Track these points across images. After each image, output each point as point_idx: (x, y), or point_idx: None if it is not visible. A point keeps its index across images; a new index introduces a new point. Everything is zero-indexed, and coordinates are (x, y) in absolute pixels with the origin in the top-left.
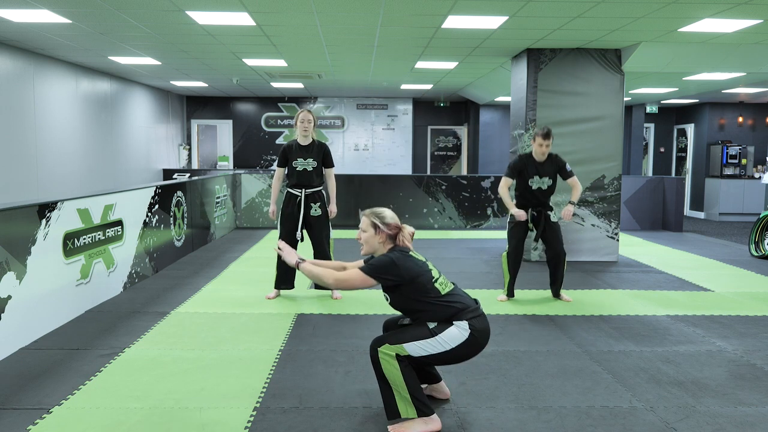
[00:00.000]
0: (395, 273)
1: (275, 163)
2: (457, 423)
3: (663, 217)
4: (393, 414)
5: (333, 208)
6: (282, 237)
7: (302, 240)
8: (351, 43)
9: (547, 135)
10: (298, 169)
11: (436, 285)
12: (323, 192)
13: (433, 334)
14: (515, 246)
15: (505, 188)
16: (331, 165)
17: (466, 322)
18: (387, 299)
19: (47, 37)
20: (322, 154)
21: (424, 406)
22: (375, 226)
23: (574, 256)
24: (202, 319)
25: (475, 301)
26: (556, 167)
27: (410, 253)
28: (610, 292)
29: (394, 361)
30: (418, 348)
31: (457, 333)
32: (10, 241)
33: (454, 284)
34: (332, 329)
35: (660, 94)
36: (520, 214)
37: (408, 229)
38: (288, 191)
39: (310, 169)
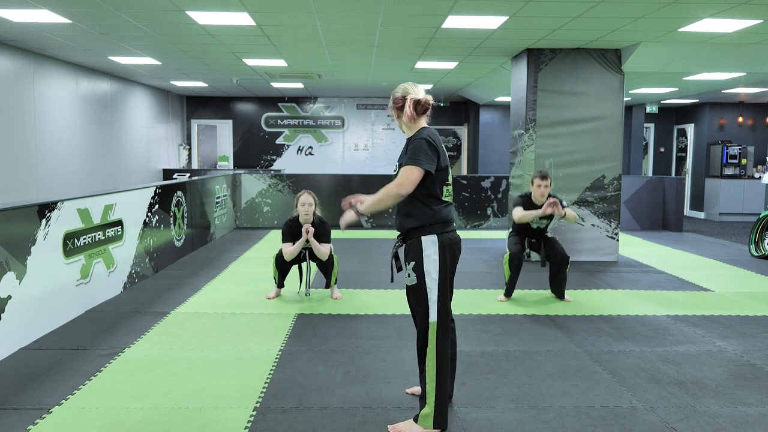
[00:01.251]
0: (433, 150)
1: (282, 239)
2: (457, 423)
3: (663, 217)
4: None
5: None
6: (282, 255)
7: (309, 294)
8: (351, 43)
9: (545, 176)
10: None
11: (444, 188)
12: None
13: (423, 284)
14: (517, 251)
15: (521, 211)
16: (327, 242)
17: (435, 236)
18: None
19: (47, 37)
20: (320, 233)
21: (443, 420)
22: (390, 104)
23: (574, 256)
24: (202, 319)
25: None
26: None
27: (440, 142)
28: (610, 292)
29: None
30: (433, 300)
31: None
32: (10, 241)
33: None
34: (332, 329)
35: (660, 94)
36: (545, 210)
37: (411, 93)
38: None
39: (310, 248)
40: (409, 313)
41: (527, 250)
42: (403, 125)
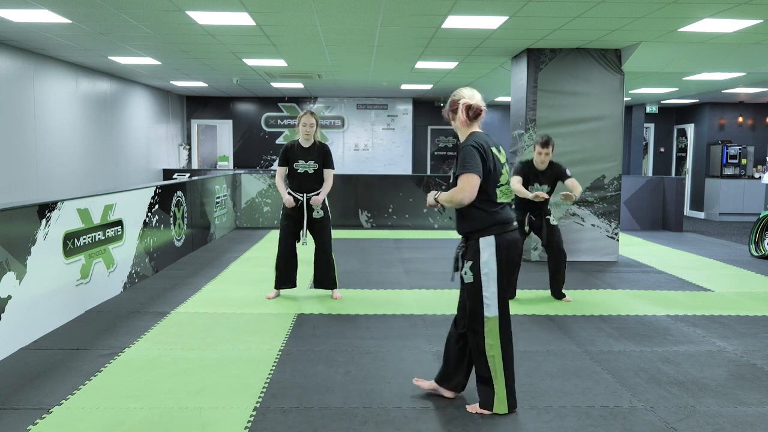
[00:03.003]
0: (481, 156)
1: (275, 163)
2: (457, 423)
3: (663, 217)
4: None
5: (320, 198)
6: (282, 237)
7: (305, 244)
8: (351, 43)
9: (546, 143)
10: (299, 171)
11: (498, 189)
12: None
13: (478, 283)
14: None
15: (519, 184)
16: (331, 167)
17: (493, 237)
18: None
19: (47, 37)
20: (323, 155)
21: (514, 402)
22: (447, 107)
23: (574, 256)
24: (202, 319)
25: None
26: (555, 175)
27: (488, 141)
28: (610, 292)
29: (494, 339)
30: (490, 298)
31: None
32: (10, 241)
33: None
34: (332, 329)
35: (660, 94)
36: (537, 195)
37: (466, 97)
38: (289, 194)
39: (311, 171)
40: (409, 313)
41: (526, 228)
42: (456, 129)
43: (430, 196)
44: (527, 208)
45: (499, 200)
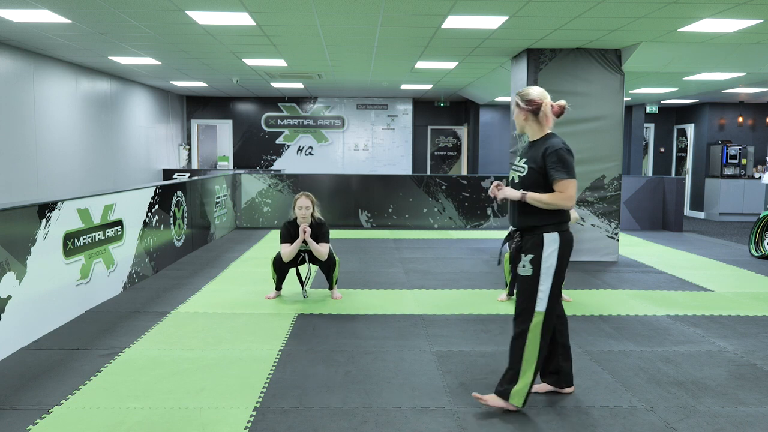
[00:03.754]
0: (572, 161)
1: (280, 241)
2: (457, 423)
3: (663, 217)
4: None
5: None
6: (280, 257)
7: (306, 297)
8: (351, 43)
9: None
10: (300, 249)
11: None
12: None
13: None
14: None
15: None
16: (326, 242)
17: (557, 234)
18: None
19: (47, 37)
20: (318, 234)
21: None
22: (518, 105)
23: (574, 256)
24: (202, 319)
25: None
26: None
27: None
28: (610, 292)
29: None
30: (544, 292)
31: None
32: (10, 241)
33: None
34: (332, 329)
35: (660, 94)
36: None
37: (548, 100)
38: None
39: (309, 249)
40: (409, 313)
41: None
42: (527, 127)
43: (512, 192)
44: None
45: None
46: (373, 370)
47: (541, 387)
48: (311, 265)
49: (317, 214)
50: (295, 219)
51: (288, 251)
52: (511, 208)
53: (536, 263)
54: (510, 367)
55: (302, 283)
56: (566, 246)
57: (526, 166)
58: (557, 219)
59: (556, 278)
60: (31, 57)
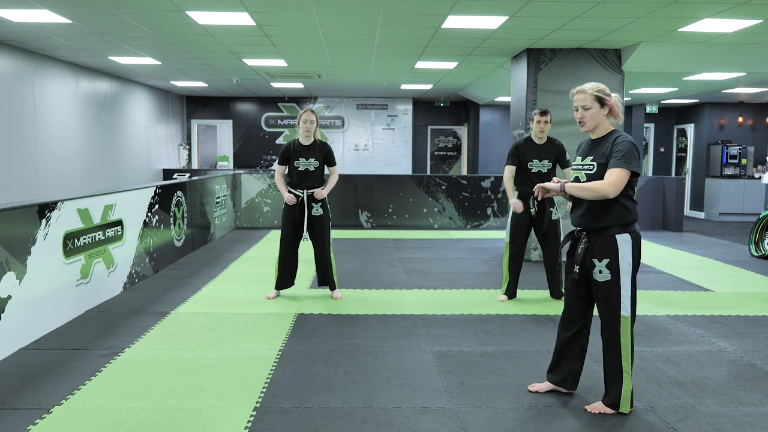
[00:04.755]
0: (638, 157)
1: (275, 162)
2: (457, 423)
3: (663, 217)
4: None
5: (324, 192)
6: (284, 237)
7: (306, 239)
8: (351, 43)
9: (544, 112)
10: (299, 168)
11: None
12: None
13: (617, 280)
14: (517, 248)
15: (508, 175)
16: (333, 164)
17: (629, 234)
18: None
19: (47, 37)
20: (324, 153)
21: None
22: (600, 100)
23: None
24: (202, 319)
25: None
26: (556, 152)
27: None
28: None
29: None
30: (626, 296)
31: (627, 249)
32: (10, 241)
33: None
34: (332, 329)
35: (660, 94)
36: (517, 206)
37: (613, 95)
38: (289, 191)
39: (312, 168)
40: (409, 313)
41: (533, 211)
42: (604, 122)
43: (552, 184)
44: (531, 192)
45: (635, 199)
46: (373, 370)
47: (543, 386)
48: (311, 213)
49: (319, 137)
50: (297, 140)
51: (281, 185)
52: (575, 206)
53: (614, 267)
54: (611, 378)
55: (302, 227)
56: (637, 247)
57: (594, 163)
58: (631, 219)
59: (633, 280)
60: (31, 57)
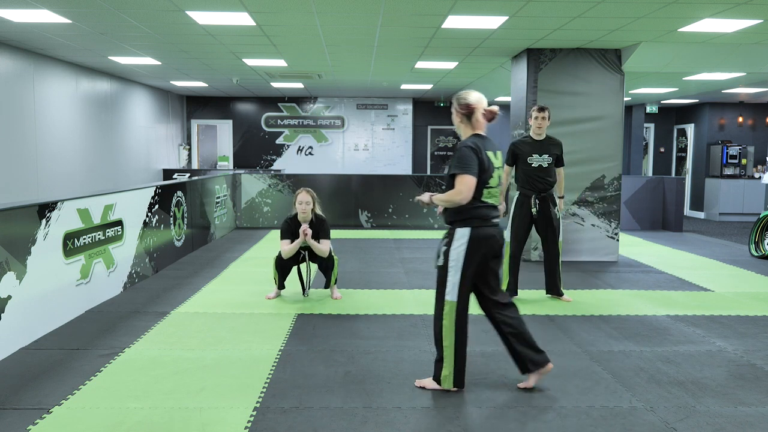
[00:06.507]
0: (478, 158)
1: (280, 237)
2: (457, 423)
3: (663, 217)
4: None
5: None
6: (283, 245)
7: (308, 296)
8: (351, 43)
9: (542, 108)
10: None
11: (485, 190)
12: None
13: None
14: (516, 247)
15: (505, 176)
16: (327, 238)
17: (469, 229)
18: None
19: (47, 37)
20: (319, 230)
21: (461, 380)
22: (454, 108)
23: (574, 256)
24: (202, 319)
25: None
26: (556, 149)
27: (485, 144)
28: (610, 292)
29: (449, 319)
30: (453, 287)
31: (460, 242)
32: (10, 241)
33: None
34: (332, 329)
35: (660, 94)
36: (501, 210)
37: (482, 107)
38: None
39: (307, 246)
40: (409, 313)
41: (534, 210)
42: (461, 128)
43: (426, 196)
44: (533, 189)
45: (483, 199)
46: (373, 370)
47: (528, 383)
48: (311, 263)
49: (318, 211)
50: (296, 215)
51: (288, 249)
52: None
53: (446, 255)
54: (437, 356)
55: (303, 282)
56: (477, 241)
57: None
58: (469, 215)
59: (464, 272)
60: (31, 57)
